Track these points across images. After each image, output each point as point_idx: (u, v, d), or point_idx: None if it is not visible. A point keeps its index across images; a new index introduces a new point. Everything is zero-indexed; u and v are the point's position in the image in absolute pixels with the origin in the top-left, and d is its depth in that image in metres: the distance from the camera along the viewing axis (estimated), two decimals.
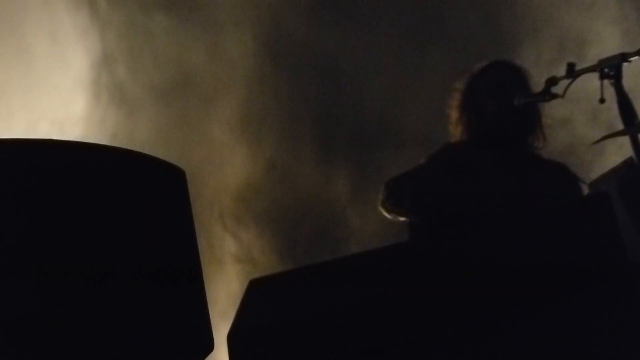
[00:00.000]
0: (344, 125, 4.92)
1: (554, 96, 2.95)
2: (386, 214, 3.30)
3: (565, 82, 2.89)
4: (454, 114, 3.40)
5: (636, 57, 2.71)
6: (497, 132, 3.24)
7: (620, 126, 2.69)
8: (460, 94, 3.39)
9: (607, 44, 4.59)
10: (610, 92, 2.72)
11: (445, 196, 3.12)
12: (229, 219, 4.82)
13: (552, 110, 3.31)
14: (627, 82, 2.72)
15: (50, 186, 1.78)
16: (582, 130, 4.53)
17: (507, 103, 3.15)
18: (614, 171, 2.67)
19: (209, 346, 2.02)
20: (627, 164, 2.64)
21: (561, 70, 2.90)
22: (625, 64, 2.72)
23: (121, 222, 1.83)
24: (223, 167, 4.80)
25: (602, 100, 2.72)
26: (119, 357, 1.83)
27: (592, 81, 2.79)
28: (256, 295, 2.14)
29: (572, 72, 2.85)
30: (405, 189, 3.21)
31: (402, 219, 3.27)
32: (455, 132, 3.39)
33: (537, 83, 3.21)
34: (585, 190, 3.13)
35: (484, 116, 3.28)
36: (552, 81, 2.93)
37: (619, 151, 3.20)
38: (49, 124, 4.35)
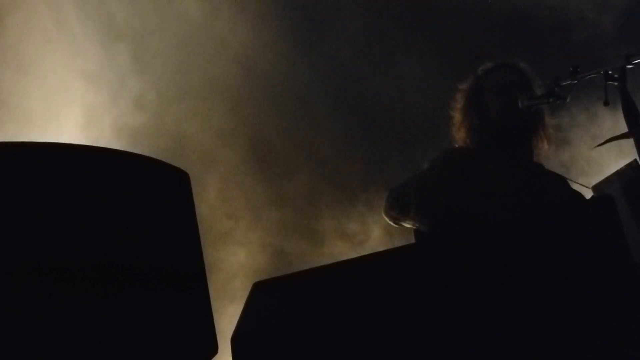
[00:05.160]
0: None
1: (558, 99, 2.94)
2: (390, 222, 3.29)
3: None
4: (457, 116, 3.36)
5: None
6: (501, 134, 3.22)
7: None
8: (464, 96, 3.36)
9: None
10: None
11: (449, 202, 3.10)
12: None
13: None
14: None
15: (55, 189, 1.78)
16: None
17: (511, 105, 3.13)
18: (618, 174, 2.66)
19: (213, 349, 2.02)
20: (631, 166, 2.63)
21: None
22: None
23: (125, 224, 1.83)
24: None
25: (606, 103, 2.71)
26: (123, 359, 1.84)
27: None
28: (260, 298, 2.14)
29: (576, 75, 2.84)
30: (409, 196, 3.19)
31: (407, 225, 3.27)
32: (458, 135, 3.35)
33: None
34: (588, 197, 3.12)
35: (487, 118, 3.26)
36: (556, 83, 2.92)
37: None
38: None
